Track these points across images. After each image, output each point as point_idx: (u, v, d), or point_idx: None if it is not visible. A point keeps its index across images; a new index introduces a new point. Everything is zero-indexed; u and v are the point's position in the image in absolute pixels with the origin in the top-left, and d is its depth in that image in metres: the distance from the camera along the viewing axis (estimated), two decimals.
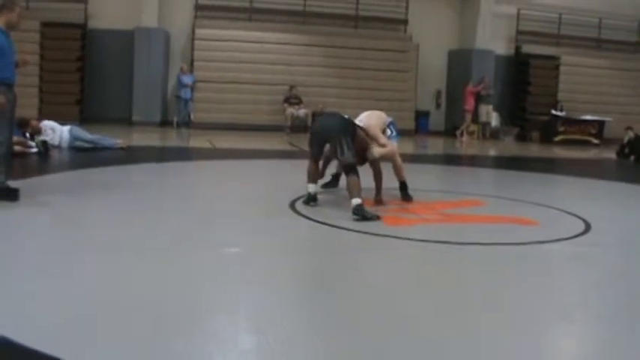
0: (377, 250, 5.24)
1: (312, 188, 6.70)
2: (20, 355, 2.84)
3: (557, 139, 19.13)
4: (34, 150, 10.12)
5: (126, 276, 4.07)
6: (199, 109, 17.66)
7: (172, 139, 15.73)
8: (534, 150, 17.32)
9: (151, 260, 4.48)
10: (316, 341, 3.21)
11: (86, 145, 11.01)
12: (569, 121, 19.46)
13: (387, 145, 7.01)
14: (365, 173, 6.70)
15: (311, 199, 6.67)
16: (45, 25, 16.68)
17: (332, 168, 7.54)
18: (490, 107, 19.19)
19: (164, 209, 6.55)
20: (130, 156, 10.79)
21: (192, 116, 17.73)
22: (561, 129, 19.34)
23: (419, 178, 8.57)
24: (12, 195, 6.09)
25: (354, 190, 6.14)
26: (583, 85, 20.33)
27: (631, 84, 20.64)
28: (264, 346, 3.10)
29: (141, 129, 16.27)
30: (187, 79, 17.53)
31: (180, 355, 2.92)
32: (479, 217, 6.66)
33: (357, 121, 7.01)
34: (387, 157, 7.10)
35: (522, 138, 19.73)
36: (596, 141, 19.42)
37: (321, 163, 7.02)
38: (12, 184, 6.25)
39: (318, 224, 5.93)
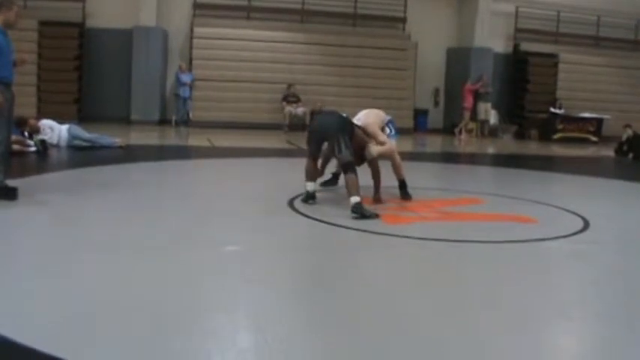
0: (376, 248, 5.25)
1: (310, 186, 6.70)
2: (19, 354, 2.83)
3: (555, 136, 19.12)
4: (33, 149, 10.11)
5: (125, 274, 4.07)
6: (198, 108, 17.64)
7: (171, 137, 15.72)
8: (533, 148, 17.32)
9: (150, 259, 4.48)
10: (315, 340, 3.21)
11: (85, 143, 11.00)
12: (567, 119, 19.46)
13: (386, 142, 7.00)
14: (363, 172, 6.70)
15: (309, 198, 6.67)
16: (43, 23, 16.64)
17: (332, 167, 7.54)
18: (489, 105, 19.18)
19: (163, 208, 6.54)
20: (129, 155, 10.78)
21: (190, 115, 17.71)
22: (560, 127, 19.34)
23: (418, 176, 8.58)
24: (10, 194, 6.09)
25: (352, 189, 6.14)
26: (582, 83, 20.32)
27: (629, 82, 20.63)
28: (263, 344, 3.10)
29: (139, 128, 16.26)
30: (186, 78, 17.51)
31: (178, 354, 2.92)
32: (477, 215, 6.67)
33: (356, 120, 7.01)
34: (386, 156, 7.09)
35: (521, 136, 19.72)
36: (594, 139, 19.41)
37: (320, 161, 7.02)
38: (10, 183, 6.24)
39: (316, 222, 5.93)
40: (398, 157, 7.24)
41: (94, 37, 17.41)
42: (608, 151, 15.55)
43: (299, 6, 18.72)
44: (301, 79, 17.92)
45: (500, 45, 20.28)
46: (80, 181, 7.93)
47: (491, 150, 16.52)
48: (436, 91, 20.61)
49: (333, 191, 7.42)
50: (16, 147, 8.70)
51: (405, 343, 3.15)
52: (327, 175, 7.57)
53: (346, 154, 6.36)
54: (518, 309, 3.79)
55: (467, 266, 4.83)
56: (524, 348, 3.19)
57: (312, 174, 6.75)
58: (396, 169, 7.25)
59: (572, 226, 6.18)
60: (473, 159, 14.49)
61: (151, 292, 3.75)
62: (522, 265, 4.89)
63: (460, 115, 18.99)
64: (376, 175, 6.99)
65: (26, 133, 10.29)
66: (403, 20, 19.50)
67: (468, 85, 18.76)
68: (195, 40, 17.84)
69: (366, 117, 7.14)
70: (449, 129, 19.59)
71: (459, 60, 19.96)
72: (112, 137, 11.54)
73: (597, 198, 8.62)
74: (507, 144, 17.97)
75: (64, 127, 10.99)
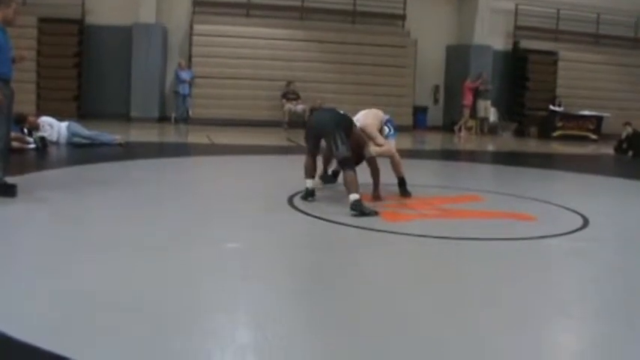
0: (375, 246, 5.25)
1: (309, 184, 6.70)
2: (19, 352, 2.83)
3: (555, 134, 19.13)
4: (32, 146, 10.10)
5: (124, 273, 4.07)
6: (197, 105, 17.64)
7: (170, 134, 15.70)
8: (532, 145, 17.33)
9: (150, 257, 4.47)
10: (315, 338, 3.21)
11: (84, 141, 11.00)
12: (567, 117, 19.46)
13: (384, 144, 7.01)
14: (362, 169, 6.70)
15: (309, 195, 6.67)
16: (42, 20, 16.63)
17: (332, 165, 7.53)
18: (488, 103, 19.17)
19: (162, 205, 6.54)
20: (128, 152, 10.78)
21: (190, 112, 17.71)
22: (559, 124, 19.34)
23: (417, 173, 8.57)
24: (10, 191, 6.08)
25: (351, 186, 6.13)
26: (581, 81, 20.31)
27: (629, 79, 20.62)
28: (263, 342, 3.10)
29: (139, 125, 16.25)
30: (185, 75, 17.50)
31: (178, 352, 2.91)
32: (477, 213, 6.67)
33: (354, 121, 6.99)
34: (385, 156, 7.11)
35: (520, 133, 19.73)
36: (594, 136, 19.41)
37: (319, 158, 7.01)
38: (10, 180, 6.23)
39: (316, 220, 5.94)
40: (397, 156, 7.24)
41: (93, 34, 17.40)
42: (608, 149, 15.55)
43: (298, 3, 18.71)
44: (301, 77, 17.91)
45: (499, 42, 20.26)
46: (79, 179, 7.93)
47: (490, 147, 16.52)
48: (436, 89, 20.61)
49: (332, 189, 7.41)
50: (15, 144, 8.70)
51: (405, 342, 3.15)
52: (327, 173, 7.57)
53: (342, 150, 6.35)
54: (518, 306, 3.79)
55: (466, 264, 4.83)
56: (524, 346, 3.19)
57: (311, 171, 6.75)
58: (396, 168, 7.26)
59: (572, 223, 6.17)
60: (472, 156, 14.49)
61: (150, 291, 3.75)
62: (522, 263, 4.89)
63: (460, 112, 18.98)
64: (375, 173, 6.99)
65: (25, 130, 10.28)
66: (403, 17, 19.48)
67: (468, 83, 18.75)
68: (194, 38, 17.83)
69: (364, 118, 7.14)
70: (448, 126, 19.58)
71: (458, 57, 19.95)
72: (111, 134, 11.53)
73: (597, 196, 8.62)
74: (507, 141, 17.97)
75: (64, 125, 10.99)
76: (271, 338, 3.13)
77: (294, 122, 17.22)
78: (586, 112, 19.52)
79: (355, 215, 5.96)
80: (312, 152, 6.77)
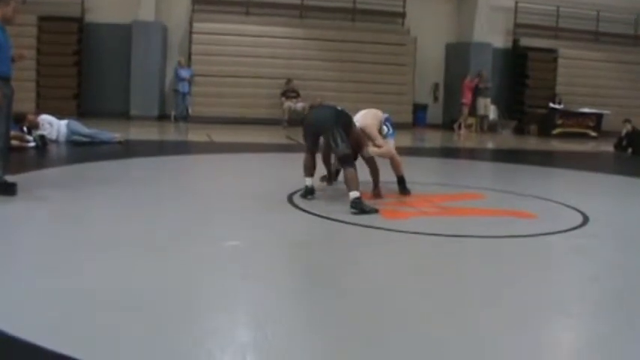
0: (375, 244, 5.25)
1: (309, 182, 6.70)
2: (19, 351, 2.83)
3: (555, 132, 19.12)
4: (32, 144, 10.10)
5: (124, 271, 4.06)
6: (197, 103, 17.64)
7: (170, 133, 15.71)
8: (532, 143, 17.33)
9: (150, 255, 4.47)
10: (315, 337, 3.21)
11: (84, 139, 11.00)
12: (567, 114, 19.45)
13: (383, 145, 7.00)
14: (362, 167, 6.69)
15: (308, 193, 6.66)
16: (42, 19, 16.62)
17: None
18: (488, 100, 19.15)
19: (162, 204, 6.53)
20: (128, 150, 10.79)
21: (190, 110, 17.71)
22: (559, 122, 19.33)
23: (417, 171, 8.58)
24: (9, 189, 6.08)
25: (352, 183, 6.13)
26: (581, 78, 20.30)
27: (629, 77, 20.61)
28: (263, 341, 3.10)
29: (139, 123, 16.24)
30: (185, 73, 17.49)
31: (178, 351, 2.91)
32: (477, 210, 6.67)
33: (354, 121, 6.95)
34: (383, 156, 7.10)
35: (520, 131, 19.71)
36: (594, 134, 19.41)
37: (318, 156, 7.00)
38: (9, 178, 6.24)
39: (316, 218, 5.93)
40: (397, 156, 7.23)
41: (93, 32, 17.38)
42: (608, 147, 15.54)
43: (298, 1, 18.69)
44: (300, 75, 17.89)
45: (499, 40, 20.25)
46: (79, 177, 7.93)
47: (490, 145, 16.51)
48: (435, 87, 20.60)
49: (332, 187, 7.41)
50: (15, 142, 8.70)
51: (405, 341, 3.15)
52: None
53: (342, 147, 6.33)
54: (519, 304, 3.79)
55: (466, 261, 4.84)
56: (524, 345, 3.19)
57: (310, 169, 6.75)
58: (395, 167, 7.24)
59: (572, 221, 6.18)
60: (472, 154, 14.49)
61: (150, 290, 3.75)
62: (522, 260, 4.89)
63: (459, 110, 18.98)
64: (374, 172, 6.99)
65: (25, 129, 10.28)
66: (402, 15, 19.48)
67: (467, 82, 18.75)
68: (194, 36, 17.81)
69: (364, 118, 7.11)
70: (448, 124, 19.58)
71: (458, 55, 19.93)
72: (111, 133, 11.53)
73: (596, 193, 8.61)
74: (507, 139, 17.97)
75: (63, 123, 10.99)
76: (271, 337, 3.13)
77: (294, 120, 17.18)
78: (586, 110, 19.52)
79: (355, 213, 5.96)
80: (311, 150, 6.77)
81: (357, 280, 4.21)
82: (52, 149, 10.28)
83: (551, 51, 20.43)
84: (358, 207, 6.00)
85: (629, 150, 14.41)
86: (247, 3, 18.46)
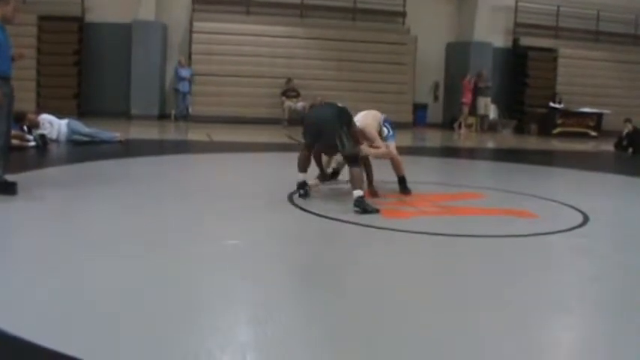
0: (375, 243, 5.25)
1: (301, 177, 6.67)
2: (19, 350, 2.84)
3: (555, 131, 19.12)
4: (32, 144, 10.10)
5: (124, 271, 4.06)
6: (197, 103, 17.64)
7: (170, 132, 15.71)
8: (532, 142, 17.32)
9: (150, 254, 4.47)
10: (315, 336, 3.21)
11: (84, 138, 11.00)
12: (567, 114, 19.45)
13: (381, 147, 6.94)
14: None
15: (300, 188, 6.64)
16: (42, 18, 16.62)
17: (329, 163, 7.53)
18: (488, 100, 19.17)
19: (162, 203, 6.53)
20: (128, 149, 10.79)
21: (190, 109, 17.71)
22: (559, 121, 19.34)
23: (417, 170, 8.58)
24: (10, 189, 6.09)
25: (357, 182, 6.14)
26: (581, 78, 20.30)
27: (629, 76, 20.61)
28: (263, 340, 3.10)
29: (139, 122, 16.25)
30: (185, 73, 17.49)
31: (178, 350, 2.91)
32: (477, 210, 6.67)
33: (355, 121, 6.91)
34: (381, 158, 7.08)
35: (520, 130, 19.72)
36: (594, 133, 19.42)
37: (314, 158, 6.96)
38: (10, 177, 6.24)
39: (315, 217, 5.93)
40: (397, 157, 7.21)
41: (93, 31, 17.39)
42: (608, 146, 15.54)
43: (298, 0, 18.69)
44: (301, 74, 17.90)
45: (499, 39, 20.25)
46: (80, 176, 7.93)
47: (490, 145, 16.51)
48: (436, 86, 20.61)
49: (331, 186, 7.41)
50: (15, 142, 8.69)
51: (405, 340, 3.16)
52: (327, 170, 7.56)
53: (349, 147, 6.30)
54: (519, 304, 3.79)
55: (466, 261, 4.83)
56: (524, 344, 3.19)
57: (304, 164, 6.70)
58: (396, 167, 7.23)
59: (572, 220, 6.18)
60: (472, 154, 14.49)
61: (150, 289, 3.75)
62: (522, 260, 4.89)
63: (459, 110, 18.98)
64: (368, 170, 6.99)
65: (25, 128, 10.28)
66: (403, 15, 19.48)
67: (465, 82, 18.76)
68: (194, 35, 17.81)
69: (364, 118, 7.07)
70: (448, 123, 19.58)
71: (458, 55, 19.94)
72: (111, 132, 11.54)
73: (597, 192, 8.61)
74: (507, 139, 17.97)
75: (64, 122, 10.99)
76: (271, 336, 3.13)
77: (294, 120, 17.19)
78: (586, 109, 19.52)
79: (358, 212, 5.97)
80: (309, 147, 6.74)
81: (357, 279, 4.21)
82: (53, 149, 10.28)
83: (552, 50, 20.43)
84: (361, 206, 6.01)
85: (630, 149, 14.41)
86: (247, 2, 18.46)
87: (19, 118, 9.80)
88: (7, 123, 6.24)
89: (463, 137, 17.73)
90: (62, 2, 16.79)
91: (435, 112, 20.31)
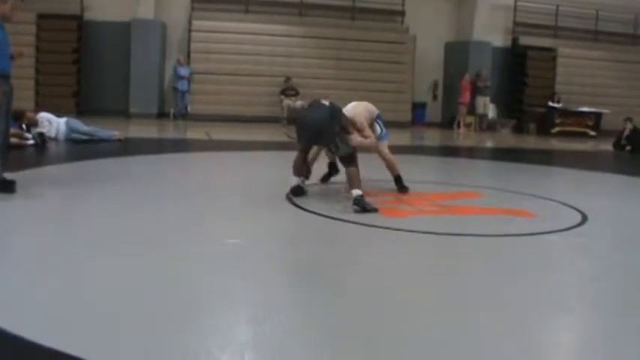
0: (375, 243, 5.25)
1: (295, 181, 6.61)
2: (19, 349, 2.83)
3: (554, 131, 19.14)
4: (31, 142, 10.09)
5: (124, 270, 4.06)
6: (196, 101, 17.64)
7: (169, 131, 15.71)
8: (531, 142, 17.33)
9: (149, 254, 4.47)
10: (314, 336, 3.21)
11: (83, 137, 11.00)
12: (566, 113, 19.47)
13: (370, 137, 6.75)
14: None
15: (294, 192, 6.57)
16: (41, 16, 16.60)
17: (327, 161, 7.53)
18: (487, 99, 19.19)
19: (162, 201, 6.52)
20: (127, 148, 10.78)
21: (189, 108, 17.72)
22: (558, 121, 19.35)
23: (416, 169, 8.59)
24: (8, 187, 6.08)
25: (354, 182, 6.15)
26: (580, 77, 20.32)
27: (627, 76, 20.63)
28: (262, 339, 3.10)
29: (138, 121, 16.25)
30: (184, 71, 17.49)
31: (178, 350, 2.91)
32: (475, 209, 6.67)
33: (344, 111, 6.78)
34: (365, 148, 6.88)
35: (519, 130, 19.74)
36: (593, 133, 19.43)
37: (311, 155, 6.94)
38: (8, 176, 6.24)
39: (314, 216, 5.93)
40: (390, 156, 7.16)
41: (92, 30, 17.38)
42: (607, 145, 15.55)
43: None
44: (299, 73, 17.91)
45: (498, 39, 20.26)
46: (78, 175, 7.92)
47: (489, 144, 16.52)
48: (434, 85, 20.61)
49: (329, 185, 7.41)
50: (14, 140, 8.69)
51: (405, 340, 3.16)
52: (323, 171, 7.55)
53: (344, 148, 6.33)
54: (518, 303, 3.79)
55: (465, 260, 4.83)
56: (524, 343, 3.19)
57: (299, 169, 6.64)
58: (390, 168, 7.19)
59: (571, 219, 6.18)
60: (471, 153, 14.49)
61: (150, 288, 3.75)
62: (521, 259, 4.89)
63: (456, 110, 18.99)
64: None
65: (24, 126, 10.27)
66: (402, 14, 19.48)
67: (464, 81, 18.77)
68: (193, 34, 17.81)
69: (353, 109, 6.90)
70: (447, 123, 19.59)
71: (457, 54, 19.95)
72: (110, 130, 11.53)
73: (595, 192, 8.61)
74: (506, 138, 17.98)
75: (63, 121, 10.98)
76: (271, 336, 3.13)
77: (293, 118, 17.19)
78: (585, 109, 19.54)
79: (357, 211, 5.97)
80: (306, 150, 6.69)
81: (356, 279, 4.21)
82: (51, 147, 10.28)
83: (551, 50, 20.45)
84: (360, 205, 6.01)
85: (628, 149, 14.42)
86: (246, 1, 18.45)
87: (18, 117, 9.79)
88: (6, 121, 6.23)
89: (462, 136, 17.73)
90: (61, 0, 16.78)
91: (434, 111, 20.33)
